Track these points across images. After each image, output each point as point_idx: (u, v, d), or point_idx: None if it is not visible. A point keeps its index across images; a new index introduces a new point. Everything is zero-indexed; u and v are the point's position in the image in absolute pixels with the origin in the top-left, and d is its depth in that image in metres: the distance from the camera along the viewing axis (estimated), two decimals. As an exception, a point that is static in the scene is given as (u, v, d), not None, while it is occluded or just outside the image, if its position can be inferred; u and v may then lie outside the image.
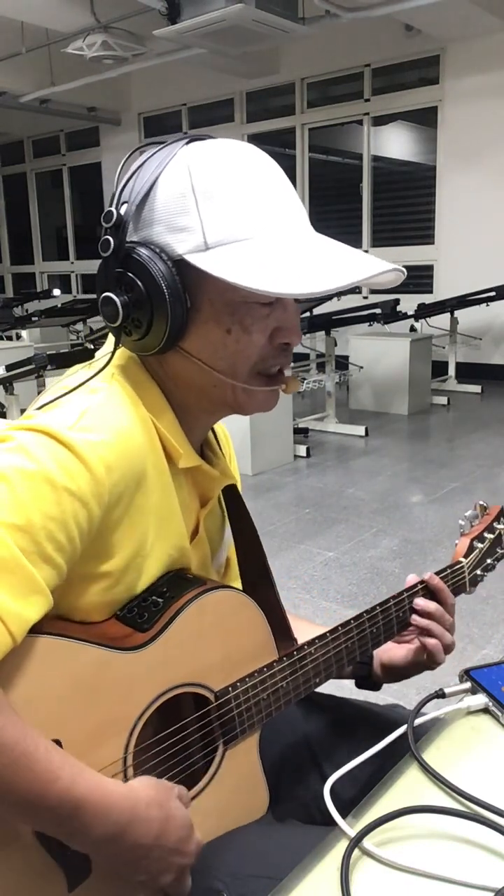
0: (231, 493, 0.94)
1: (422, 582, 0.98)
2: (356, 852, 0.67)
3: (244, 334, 0.78)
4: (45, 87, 8.12)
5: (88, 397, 0.76)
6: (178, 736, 0.79)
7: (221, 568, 0.98)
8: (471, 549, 1.06)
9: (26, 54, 7.30)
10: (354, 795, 0.78)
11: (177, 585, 0.80)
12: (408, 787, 0.75)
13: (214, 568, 0.95)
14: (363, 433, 5.37)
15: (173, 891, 0.75)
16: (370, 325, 6.21)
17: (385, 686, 1.03)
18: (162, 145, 0.79)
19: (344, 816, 0.70)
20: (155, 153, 0.78)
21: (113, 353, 0.81)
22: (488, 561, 1.08)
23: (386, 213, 8.09)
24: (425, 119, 7.55)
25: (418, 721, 0.82)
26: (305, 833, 0.86)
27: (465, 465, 4.58)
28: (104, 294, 0.77)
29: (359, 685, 1.03)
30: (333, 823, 0.70)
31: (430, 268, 7.56)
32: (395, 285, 0.82)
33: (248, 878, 0.78)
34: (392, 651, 1.00)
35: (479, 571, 1.06)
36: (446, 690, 0.87)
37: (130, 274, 0.75)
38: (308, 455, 4.89)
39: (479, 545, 1.07)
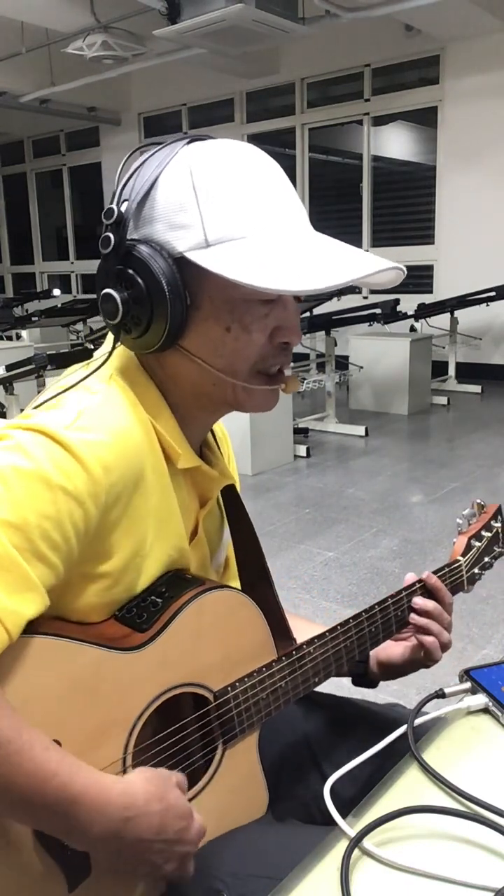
0: (230, 493, 0.94)
1: (420, 581, 0.98)
2: (356, 852, 0.67)
3: (244, 333, 0.78)
4: (45, 87, 8.12)
5: (87, 397, 0.76)
6: (178, 736, 0.79)
7: (220, 568, 0.98)
8: (468, 547, 1.06)
9: (26, 54, 7.30)
10: (354, 794, 0.78)
11: (175, 585, 0.80)
12: (408, 787, 0.75)
13: (213, 568, 0.95)
14: (363, 433, 5.37)
15: (176, 877, 0.76)
16: (370, 325, 6.21)
17: (385, 686, 1.03)
18: (162, 145, 0.79)
19: (344, 815, 0.70)
20: (155, 152, 0.78)
21: (112, 350, 0.81)
22: (486, 559, 1.07)
23: (386, 214, 8.09)
24: (425, 119, 7.55)
25: (418, 721, 0.82)
26: (305, 833, 0.86)
27: (465, 465, 4.58)
28: (104, 291, 0.77)
29: (355, 683, 1.03)
30: (333, 823, 0.70)
31: (430, 268, 7.56)
32: (395, 285, 0.82)
33: (247, 878, 0.78)
34: (389, 649, 1.00)
35: (476, 570, 1.06)
36: (446, 690, 0.87)
37: (131, 271, 0.75)
38: (308, 455, 4.89)
39: (477, 543, 1.07)
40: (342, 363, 6.09)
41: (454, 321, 6.80)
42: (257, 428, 4.39)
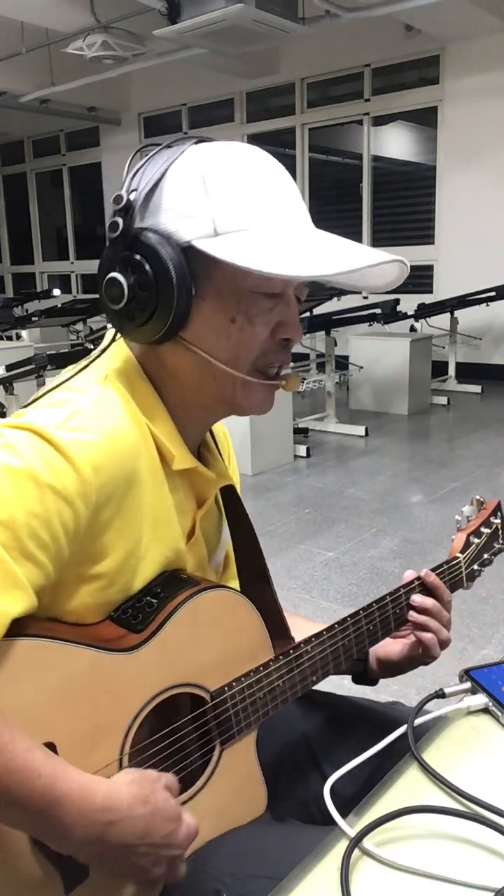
0: (228, 493, 0.94)
1: (418, 578, 0.98)
2: (356, 852, 0.67)
3: (248, 325, 0.78)
4: (45, 87, 8.12)
5: (80, 397, 0.76)
6: (175, 737, 0.79)
7: (220, 568, 0.98)
8: (467, 544, 1.06)
9: (26, 54, 7.30)
10: (354, 793, 0.78)
11: (171, 586, 0.80)
12: (408, 787, 0.75)
13: (212, 568, 0.95)
14: (363, 433, 5.37)
15: (167, 880, 0.75)
16: (370, 325, 6.21)
17: (385, 686, 1.03)
18: (168, 143, 0.80)
19: (343, 814, 0.70)
20: (163, 149, 0.79)
21: (112, 340, 0.81)
22: (485, 556, 1.07)
23: (386, 213, 8.09)
24: (425, 119, 7.55)
25: (418, 721, 0.82)
26: (305, 833, 0.86)
27: (465, 465, 4.58)
28: (110, 275, 0.76)
29: (355, 680, 1.03)
30: (333, 823, 0.70)
31: (430, 268, 7.56)
32: (397, 285, 0.82)
33: (247, 878, 0.78)
34: (388, 646, 1.00)
35: (476, 567, 1.06)
36: (446, 690, 0.87)
37: (138, 256, 0.75)
38: (308, 455, 4.88)
39: (476, 540, 1.07)
40: (342, 363, 6.09)
41: (454, 321, 6.80)
42: (257, 428, 4.39)
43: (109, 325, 0.82)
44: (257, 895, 0.74)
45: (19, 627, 0.67)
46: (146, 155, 0.79)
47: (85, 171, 10.59)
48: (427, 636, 0.96)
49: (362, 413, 6.06)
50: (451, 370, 6.93)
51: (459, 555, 1.05)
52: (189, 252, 0.75)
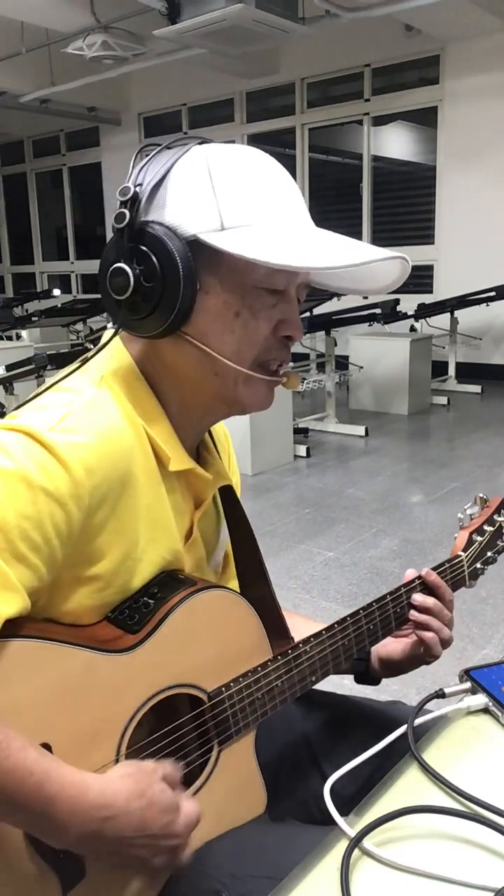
0: (226, 493, 0.94)
1: (419, 577, 0.98)
2: (356, 852, 0.67)
3: (252, 320, 0.79)
4: (45, 87, 8.12)
5: (74, 398, 0.76)
6: (172, 737, 0.79)
7: (219, 568, 0.98)
8: (470, 542, 1.06)
9: (26, 54, 7.30)
10: (354, 793, 0.79)
11: (167, 586, 0.80)
12: (408, 787, 0.75)
13: (211, 568, 0.95)
14: (363, 433, 5.37)
15: (168, 869, 0.75)
16: (370, 325, 6.21)
17: (385, 686, 1.03)
18: (172, 142, 0.80)
19: (343, 814, 0.70)
20: (167, 147, 0.80)
21: (114, 334, 0.81)
22: (489, 554, 1.07)
23: (386, 213, 8.09)
24: (425, 119, 7.55)
25: (418, 721, 0.82)
26: (305, 832, 0.86)
27: (465, 465, 4.58)
28: (115, 265, 0.76)
29: (358, 680, 1.03)
30: (333, 823, 0.70)
31: (430, 268, 7.56)
32: (398, 286, 0.83)
33: (247, 878, 0.78)
34: (389, 646, 1.00)
35: (479, 565, 1.06)
36: (446, 690, 0.87)
37: (144, 247, 0.75)
38: (308, 455, 4.88)
39: (479, 538, 1.06)
40: (342, 363, 6.09)
41: (454, 321, 6.80)
42: (257, 428, 4.39)
43: (109, 325, 0.82)
44: (257, 895, 0.74)
45: (14, 628, 0.67)
46: (149, 154, 0.79)
47: (85, 171, 10.59)
48: (428, 635, 0.96)
49: (362, 413, 6.06)
50: (451, 370, 6.93)
51: (461, 553, 1.04)
52: (194, 246, 0.75)
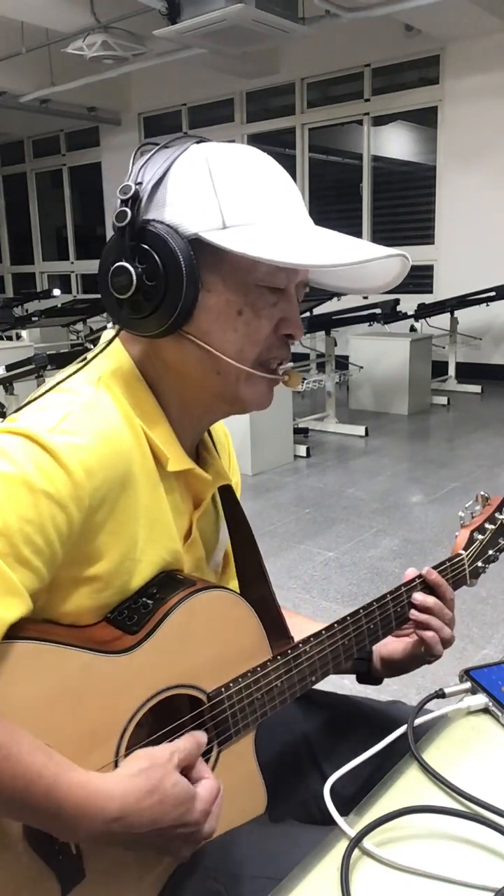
0: (227, 493, 0.94)
1: (419, 576, 0.98)
2: (356, 852, 0.67)
3: (255, 318, 0.79)
4: (45, 87, 8.12)
5: (73, 400, 0.76)
6: (171, 738, 0.79)
7: (219, 568, 0.98)
8: (471, 540, 1.06)
9: (26, 54, 7.30)
10: (354, 793, 0.78)
11: (166, 587, 0.80)
12: (408, 787, 0.75)
13: (211, 568, 0.94)
14: (363, 433, 5.37)
15: (185, 852, 0.76)
16: (370, 325, 6.21)
17: (385, 686, 1.03)
18: (169, 141, 0.80)
19: (343, 814, 0.70)
20: (165, 146, 0.79)
21: (115, 336, 0.81)
22: (490, 552, 1.07)
23: (386, 213, 8.09)
24: (425, 119, 7.55)
25: (418, 721, 0.82)
26: (305, 833, 0.86)
27: (465, 465, 4.58)
28: (117, 264, 0.76)
29: (360, 680, 1.03)
30: (333, 823, 0.70)
31: (430, 268, 7.56)
32: (398, 283, 0.83)
33: (247, 878, 0.78)
34: (390, 645, 1.00)
35: (480, 563, 1.06)
36: (446, 690, 0.87)
37: (146, 246, 0.75)
38: (308, 455, 4.88)
39: (480, 536, 1.06)
40: (342, 363, 6.09)
41: (454, 321, 6.80)
42: (257, 428, 4.39)
43: (109, 325, 0.82)
44: (257, 895, 0.74)
45: (14, 630, 0.67)
46: (147, 152, 0.79)
47: (85, 171, 10.59)
48: (429, 634, 0.96)
49: (362, 413, 6.06)
50: (451, 370, 6.93)
51: (462, 552, 1.04)
52: (195, 244, 0.75)
